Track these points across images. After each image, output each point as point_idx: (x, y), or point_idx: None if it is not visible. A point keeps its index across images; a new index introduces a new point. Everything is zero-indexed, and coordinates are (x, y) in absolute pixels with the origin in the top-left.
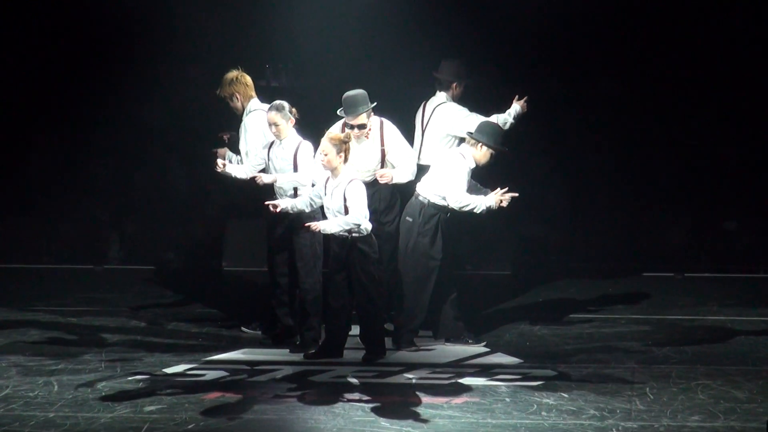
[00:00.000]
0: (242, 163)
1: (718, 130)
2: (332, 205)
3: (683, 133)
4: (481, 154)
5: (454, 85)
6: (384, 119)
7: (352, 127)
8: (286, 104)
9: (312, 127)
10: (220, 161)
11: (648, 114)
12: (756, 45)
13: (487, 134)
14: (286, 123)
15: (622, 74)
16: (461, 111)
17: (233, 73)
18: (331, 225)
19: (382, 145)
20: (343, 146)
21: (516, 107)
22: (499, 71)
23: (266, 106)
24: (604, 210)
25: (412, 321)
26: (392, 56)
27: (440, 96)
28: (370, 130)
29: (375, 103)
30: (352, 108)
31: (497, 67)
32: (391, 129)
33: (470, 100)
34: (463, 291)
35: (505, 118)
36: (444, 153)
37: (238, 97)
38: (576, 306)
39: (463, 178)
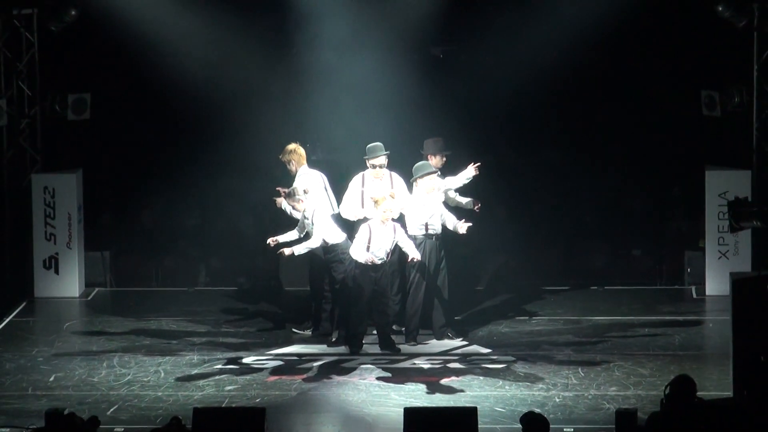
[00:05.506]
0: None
1: (631, 186)
2: (386, 245)
3: (605, 186)
4: (422, 185)
5: (428, 155)
6: (393, 172)
7: (374, 166)
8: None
9: (343, 188)
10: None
11: (578, 173)
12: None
13: (415, 169)
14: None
15: (558, 143)
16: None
17: (292, 145)
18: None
19: (392, 187)
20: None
21: (467, 172)
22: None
23: (314, 171)
24: (548, 242)
25: (410, 323)
26: (406, 132)
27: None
28: (383, 170)
29: (389, 152)
30: (377, 151)
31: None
32: (398, 177)
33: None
34: (450, 301)
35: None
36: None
37: (293, 163)
38: (528, 311)
39: (415, 207)
